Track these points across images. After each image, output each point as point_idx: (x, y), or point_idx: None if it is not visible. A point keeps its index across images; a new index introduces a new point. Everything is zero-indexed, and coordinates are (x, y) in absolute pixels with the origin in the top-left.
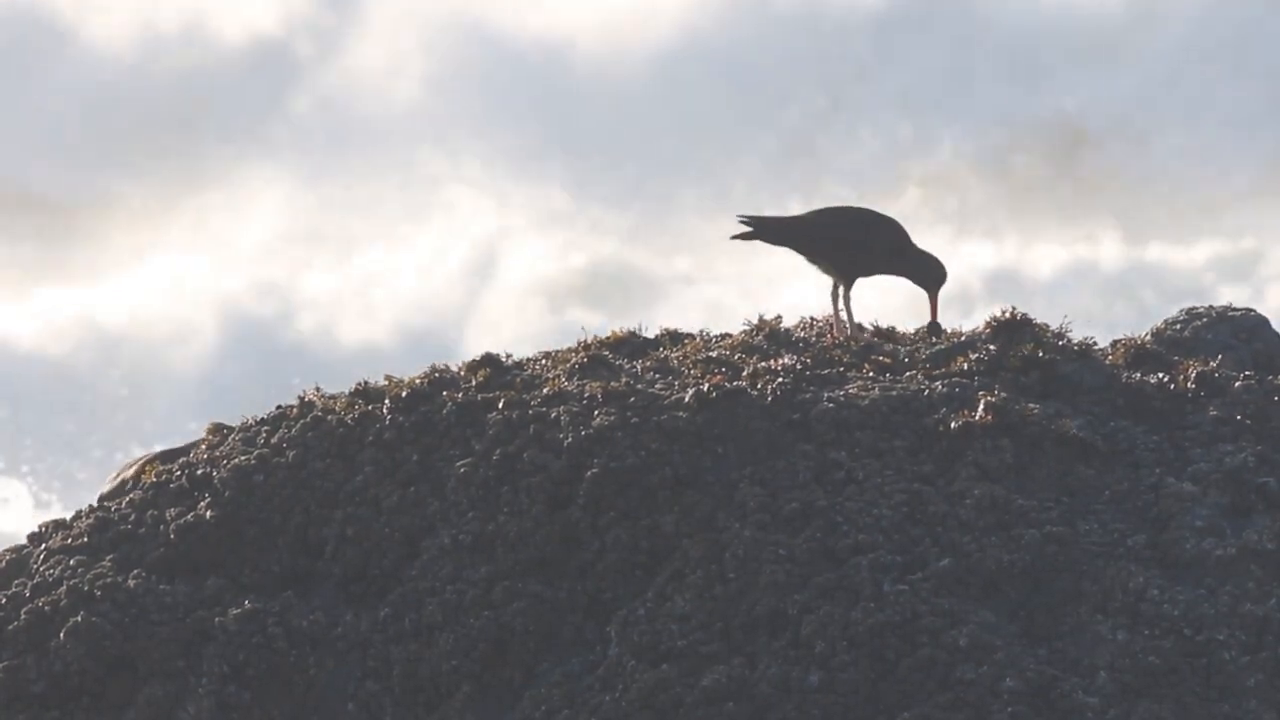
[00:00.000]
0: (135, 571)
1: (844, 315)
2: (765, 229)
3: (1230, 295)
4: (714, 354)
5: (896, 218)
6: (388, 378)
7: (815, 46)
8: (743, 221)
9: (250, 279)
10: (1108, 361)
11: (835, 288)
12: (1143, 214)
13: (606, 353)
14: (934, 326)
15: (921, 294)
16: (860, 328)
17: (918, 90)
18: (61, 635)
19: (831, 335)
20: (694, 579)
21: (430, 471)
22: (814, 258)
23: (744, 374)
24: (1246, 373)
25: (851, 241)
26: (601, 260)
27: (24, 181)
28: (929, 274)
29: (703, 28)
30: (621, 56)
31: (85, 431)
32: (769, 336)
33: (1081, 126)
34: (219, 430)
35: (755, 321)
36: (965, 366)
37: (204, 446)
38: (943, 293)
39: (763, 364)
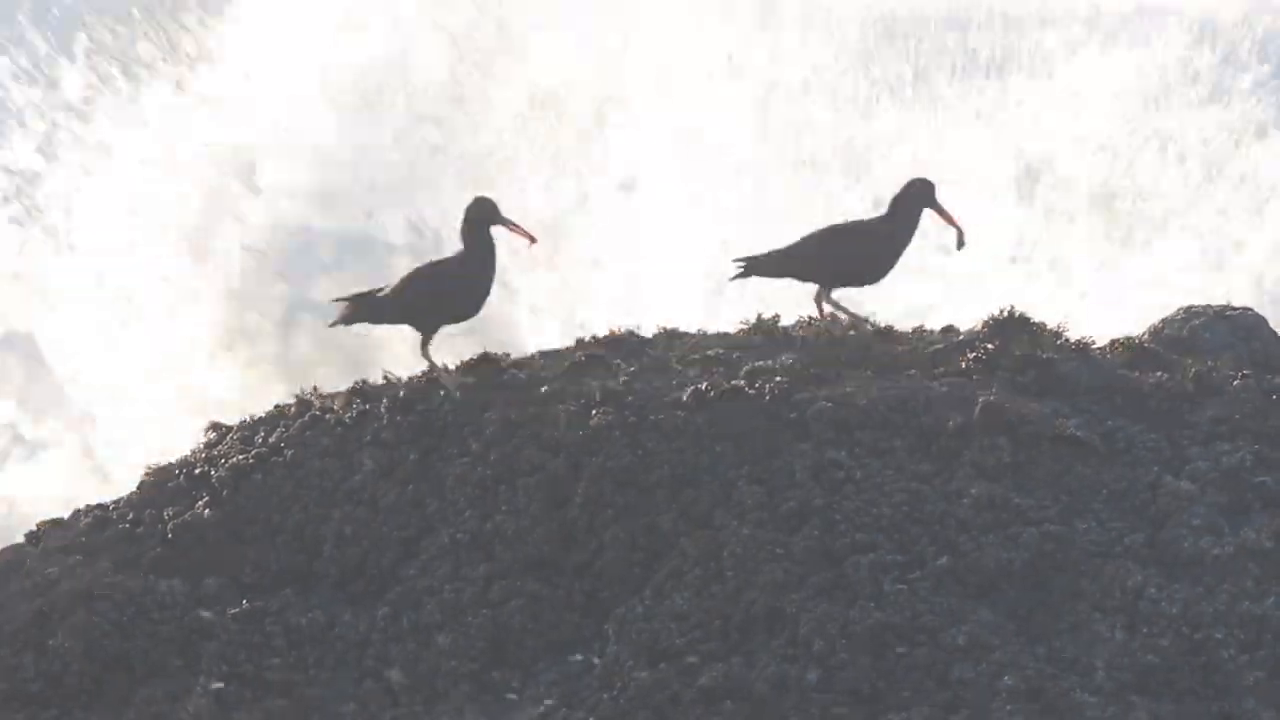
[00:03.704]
0: (134, 571)
1: (839, 313)
2: (760, 266)
3: None
4: (711, 353)
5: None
6: (385, 376)
7: None
8: (737, 263)
9: None
10: (1106, 360)
11: (819, 292)
12: None
13: (604, 352)
14: (960, 238)
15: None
16: (860, 319)
17: None
18: (60, 634)
19: (840, 331)
20: (692, 578)
21: (429, 471)
22: (817, 280)
23: (742, 373)
24: (1244, 372)
25: (852, 257)
26: None
27: None
28: (923, 195)
29: None
30: None
31: None
32: (767, 335)
33: None
34: (217, 429)
35: (753, 320)
36: (963, 366)
37: (202, 446)
38: None
39: (760, 363)
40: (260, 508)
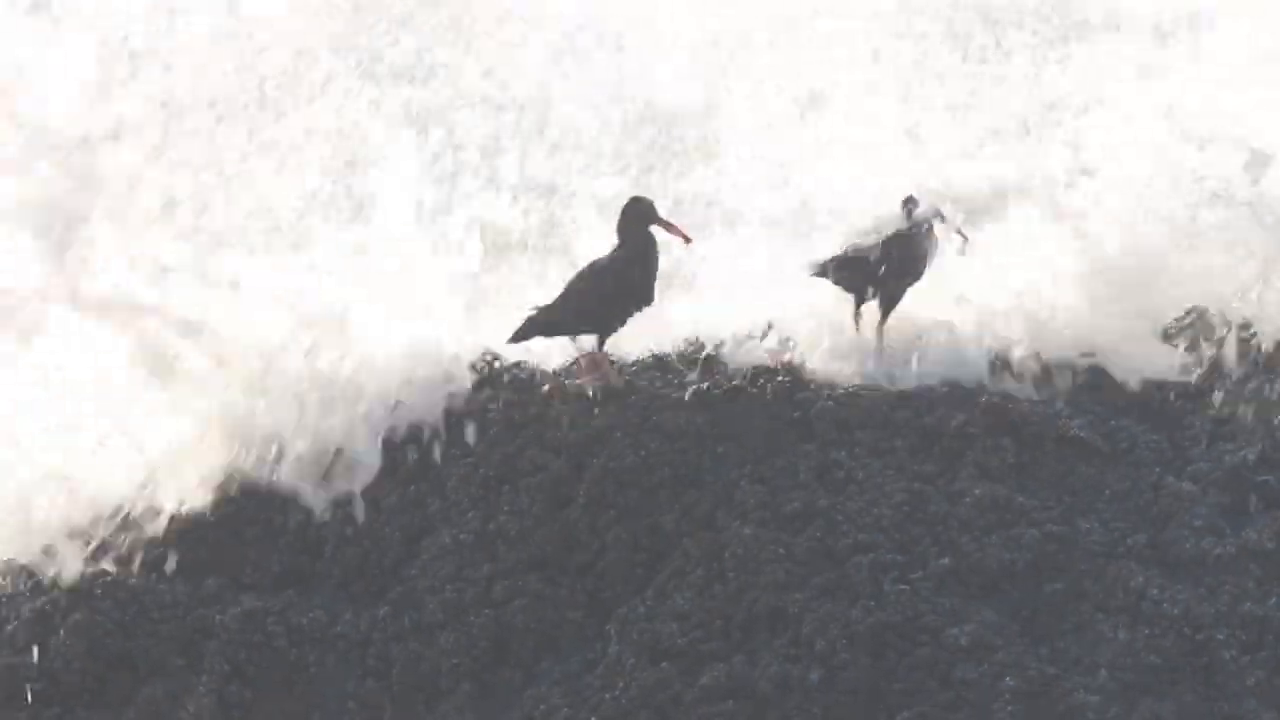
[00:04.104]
0: (135, 570)
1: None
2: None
3: None
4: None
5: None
6: None
7: None
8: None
9: None
10: None
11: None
12: None
13: (606, 350)
14: (961, 240)
15: None
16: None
17: None
18: (61, 633)
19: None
20: (694, 578)
21: (430, 470)
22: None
23: (744, 373)
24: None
25: (895, 269)
26: None
27: None
28: (929, 214)
29: None
30: None
31: None
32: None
33: None
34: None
35: None
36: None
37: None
38: None
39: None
40: (262, 508)
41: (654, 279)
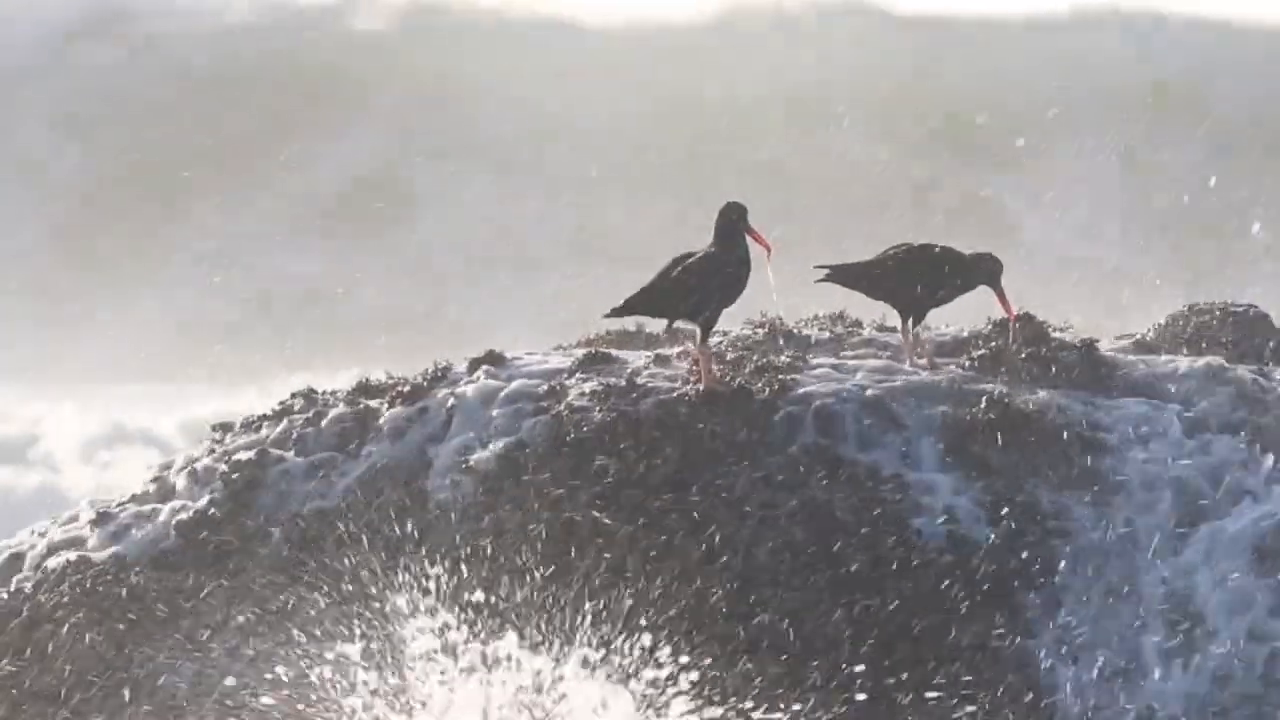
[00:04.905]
0: (137, 568)
1: (913, 343)
2: (841, 275)
3: None
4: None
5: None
6: (388, 375)
7: None
8: (820, 267)
9: None
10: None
11: (905, 321)
12: None
13: (609, 349)
14: (1011, 323)
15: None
16: (933, 362)
17: None
18: (63, 631)
19: (911, 362)
20: None
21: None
22: (885, 299)
23: (745, 370)
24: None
25: (919, 282)
26: None
27: None
28: (991, 273)
29: None
30: None
31: None
32: (770, 333)
33: None
34: (221, 427)
35: (756, 319)
36: (968, 362)
37: (208, 444)
38: None
39: (764, 360)
40: (263, 506)
41: (741, 279)
